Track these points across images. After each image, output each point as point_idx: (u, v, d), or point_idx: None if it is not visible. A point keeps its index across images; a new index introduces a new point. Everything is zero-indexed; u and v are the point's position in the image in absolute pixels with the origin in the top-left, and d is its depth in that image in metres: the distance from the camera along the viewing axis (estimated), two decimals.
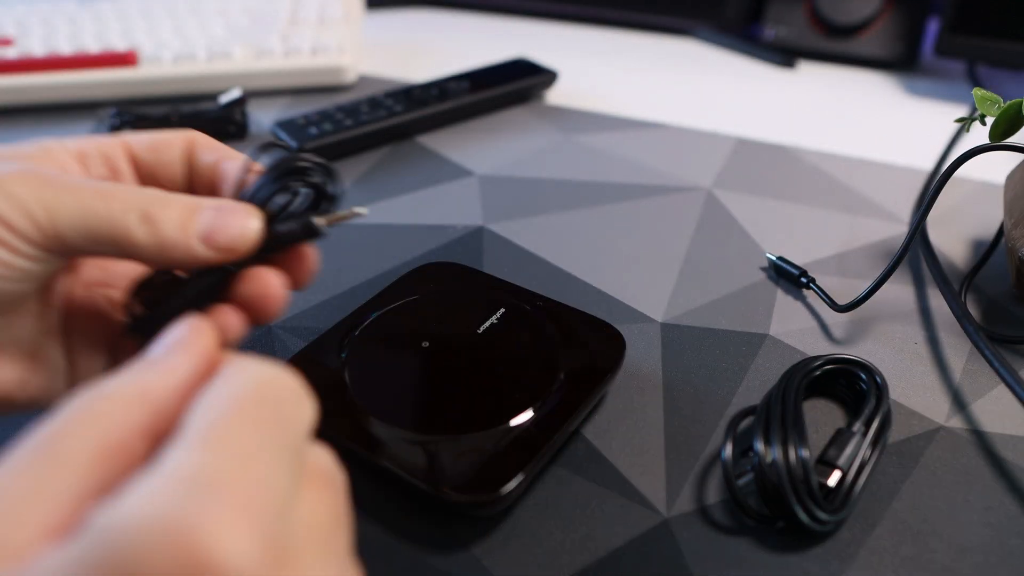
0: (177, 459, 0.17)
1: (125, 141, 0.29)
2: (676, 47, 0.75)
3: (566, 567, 0.28)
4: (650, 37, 0.77)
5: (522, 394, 0.32)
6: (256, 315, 0.28)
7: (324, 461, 0.21)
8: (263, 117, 0.60)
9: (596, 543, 0.29)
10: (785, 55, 0.70)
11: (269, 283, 0.28)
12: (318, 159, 0.28)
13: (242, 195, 0.28)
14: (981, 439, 0.33)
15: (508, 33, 0.78)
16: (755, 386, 0.36)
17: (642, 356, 0.37)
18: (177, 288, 0.28)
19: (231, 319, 0.27)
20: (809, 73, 0.69)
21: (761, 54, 0.72)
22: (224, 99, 0.57)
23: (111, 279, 0.30)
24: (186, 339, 0.21)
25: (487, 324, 0.35)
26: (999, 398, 0.35)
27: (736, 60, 0.72)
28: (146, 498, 0.16)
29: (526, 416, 0.31)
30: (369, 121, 0.55)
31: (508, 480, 0.28)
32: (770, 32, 0.72)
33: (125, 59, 0.62)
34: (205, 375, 0.21)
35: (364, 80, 0.67)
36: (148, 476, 0.16)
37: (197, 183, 0.30)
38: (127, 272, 0.30)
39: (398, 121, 0.56)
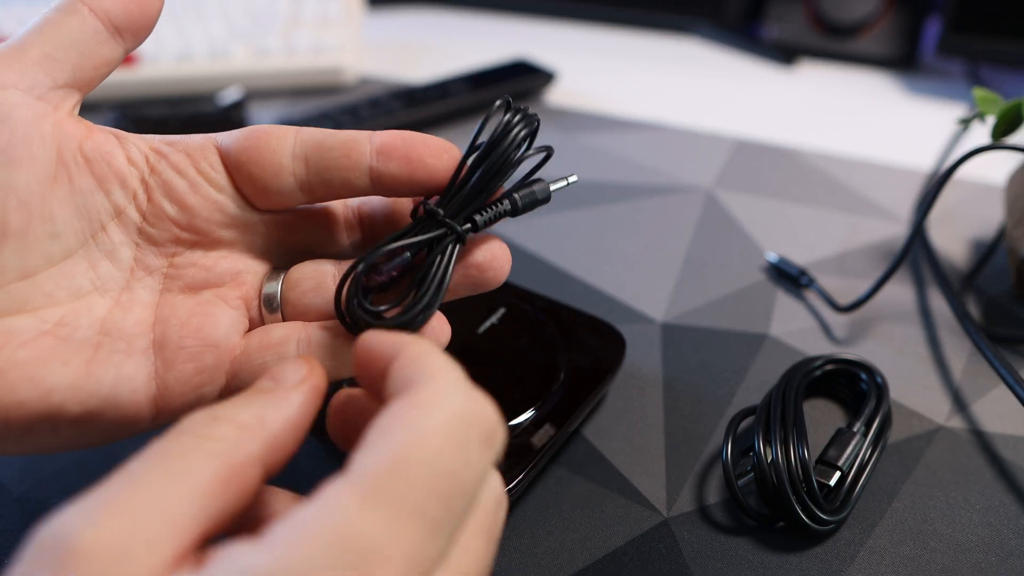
0: (337, 510, 0.16)
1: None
2: (676, 47, 0.75)
3: (566, 567, 0.28)
4: (650, 37, 0.77)
5: (522, 394, 0.32)
6: (484, 282, 0.26)
7: (492, 498, 0.20)
8: (263, 117, 0.60)
9: (596, 543, 0.29)
10: (785, 53, 0.70)
11: (495, 248, 0.26)
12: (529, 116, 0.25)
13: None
14: (981, 439, 0.33)
15: (508, 33, 0.78)
16: (755, 386, 0.36)
17: (642, 356, 0.37)
18: (415, 271, 0.25)
19: (438, 323, 0.25)
20: (809, 73, 0.69)
21: (761, 53, 0.72)
22: (224, 99, 0.57)
23: (215, 278, 0.26)
24: (301, 372, 0.21)
25: (487, 324, 0.36)
26: (999, 398, 0.35)
27: (736, 59, 0.72)
28: (296, 552, 0.15)
29: (526, 416, 0.31)
30: (369, 121, 0.55)
31: (508, 480, 0.28)
32: (771, 30, 0.72)
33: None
34: (315, 409, 0.21)
35: (364, 80, 0.67)
36: (300, 523, 0.16)
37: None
38: (233, 269, 0.26)
39: (398, 121, 0.56)
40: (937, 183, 0.38)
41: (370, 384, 0.21)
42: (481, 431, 0.18)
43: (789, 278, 0.42)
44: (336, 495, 0.16)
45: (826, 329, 0.39)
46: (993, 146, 0.37)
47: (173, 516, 0.16)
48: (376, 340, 0.21)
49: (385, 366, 0.20)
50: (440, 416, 0.18)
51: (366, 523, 0.16)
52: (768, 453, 0.29)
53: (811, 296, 0.41)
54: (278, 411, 0.20)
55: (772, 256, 0.43)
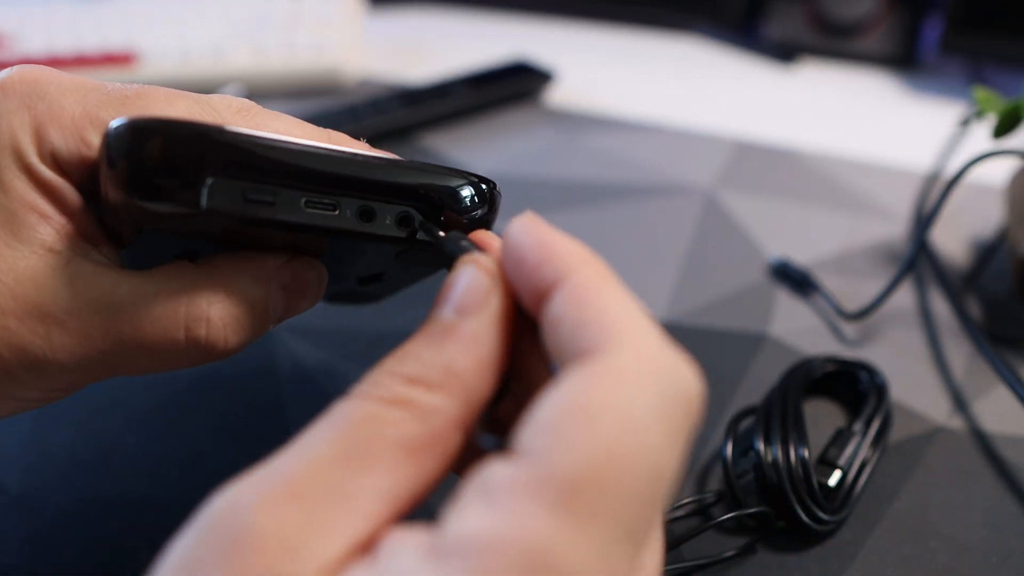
0: (526, 524, 0.13)
1: None
2: (676, 47, 0.75)
3: None
4: (650, 37, 0.77)
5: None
6: None
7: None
8: None
9: None
10: (785, 53, 0.70)
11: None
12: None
13: None
14: (981, 439, 0.33)
15: (508, 33, 0.78)
16: (755, 386, 0.36)
17: None
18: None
19: None
20: (809, 72, 0.69)
21: (761, 52, 0.72)
22: None
23: None
24: (482, 289, 0.18)
25: None
26: (999, 398, 0.35)
27: (736, 59, 0.72)
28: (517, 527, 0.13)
29: None
30: (369, 121, 0.55)
31: None
32: (771, 30, 0.72)
33: (125, 59, 0.62)
34: (508, 333, 0.17)
35: (364, 80, 0.67)
36: (481, 536, 0.14)
37: None
38: None
39: (398, 121, 0.56)
40: (942, 191, 0.37)
41: (518, 284, 0.18)
42: (689, 407, 0.16)
43: (793, 281, 0.42)
44: (521, 499, 0.14)
45: (826, 329, 0.39)
46: (998, 152, 0.37)
47: (353, 506, 0.15)
48: (532, 241, 0.18)
49: (540, 280, 0.17)
50: (648, 395, 0.15)
51: (563, 545, 0.13)
52: (768, 453, 0.29)
53: (811, 296, 0.41)
54: (467, 354, 0.17)
55: (775, 257, 0.43)
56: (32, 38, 0.64)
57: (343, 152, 0.21)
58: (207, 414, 0.33)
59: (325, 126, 0.24)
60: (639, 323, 0.16)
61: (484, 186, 0.23)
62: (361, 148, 0.24)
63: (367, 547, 0.15)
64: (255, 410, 0.34)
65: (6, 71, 0.22)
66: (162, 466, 0.31)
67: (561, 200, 0.49)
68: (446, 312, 0.18)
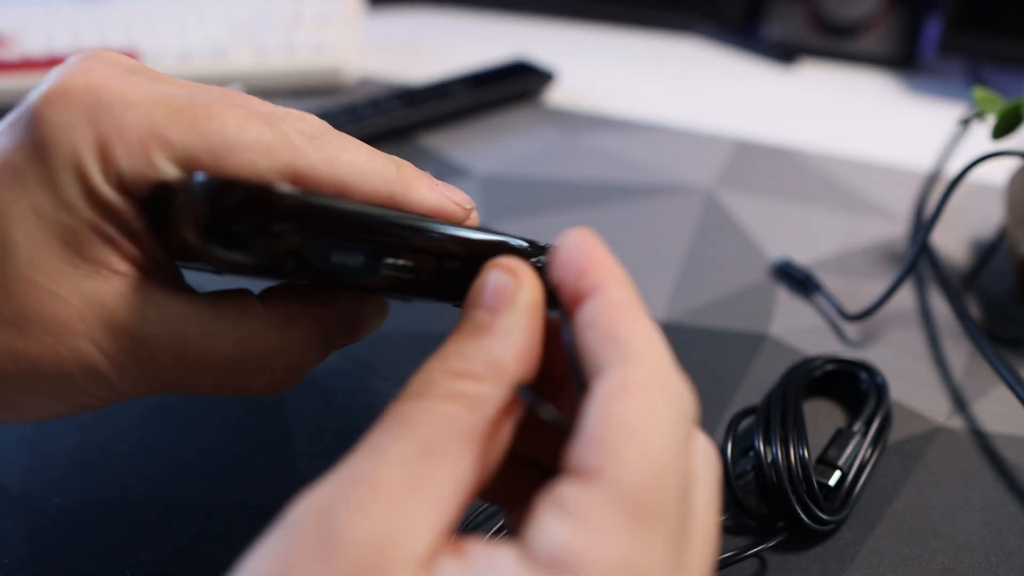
0: (612, 539, 0.15)
1: None
2: (676, 47, 0.75)
3: None
4: (650, 37, 0.77)
5: None
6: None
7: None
8: None
9: None
10: (785, 53, 0.70)
11: None
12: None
13: None
14: (981, 439, 0.33)
15: (508, 33, 0.78)
16: (755, 386, 0.36)
17: None
18: None
19: None
20: (809, 72, 0.69)
21: (761, 52, 0.72)
22: None
23: None
24: (512, 289, 0.20)
25: None
26: (999, 398, 0.35)
27: (736, 59, 0.72)
28: (605, 540, 0.15)
29: None
30: (369, 121, 0.55)
31: None
32: (771, 30, 0.72)
33: None
34: (541, 323, 0.19)
35: (364, 80, 0.67)
36: (571, 549, 0.15)
37: None
38: None
39: (398, 121, 0.56)
40: (943, 193, 0.37)
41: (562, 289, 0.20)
42: (689, 418, 0.18)
43: (795, 281, 0.42)
44: (602, 518, 0.15)
45: (826, 329, 0.39)
46: (999, 152, 0.37)
47: (432, 496, 0.16)
48: (583, 249, 0.20)
49: (581, 284, 0.19)
50: (667, 408, 0.17)
51: (646, 554, 0.15)
52: (768, 453, 0.29)
53: (811, 296, 0.41)
54: (506, 346, 0.18)
55: (777, 257, 0.43)
56: (32, 38, 0.64)
57: (429, 224, 0.22)
58: (208, 414, 0.33)
59: None
60: (656, 344, 0.18)
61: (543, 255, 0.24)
62: (428, 183, 0.24)
63: (447, 539, 0.16)
64: (255, 410, 0.34)
65: (64, 71, 0.21)
66: (162, 466, 0.31)
67: (561, 200, 0.49)
68: (479, 313, 0.20)
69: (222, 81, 0.63)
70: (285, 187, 0.20)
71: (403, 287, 0.22)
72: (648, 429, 0.17)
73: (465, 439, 0.17)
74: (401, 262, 0.22)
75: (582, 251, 0.20)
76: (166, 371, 0.21)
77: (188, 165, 0.21)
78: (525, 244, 0.24)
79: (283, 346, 0.22)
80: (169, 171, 0.21)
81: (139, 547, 0.28)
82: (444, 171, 0.53)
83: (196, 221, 0.19)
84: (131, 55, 0.62)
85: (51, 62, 0.61)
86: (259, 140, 0.21)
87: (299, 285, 0.23)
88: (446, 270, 0.22)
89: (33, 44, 0.64)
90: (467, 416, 0.17)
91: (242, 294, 0.23)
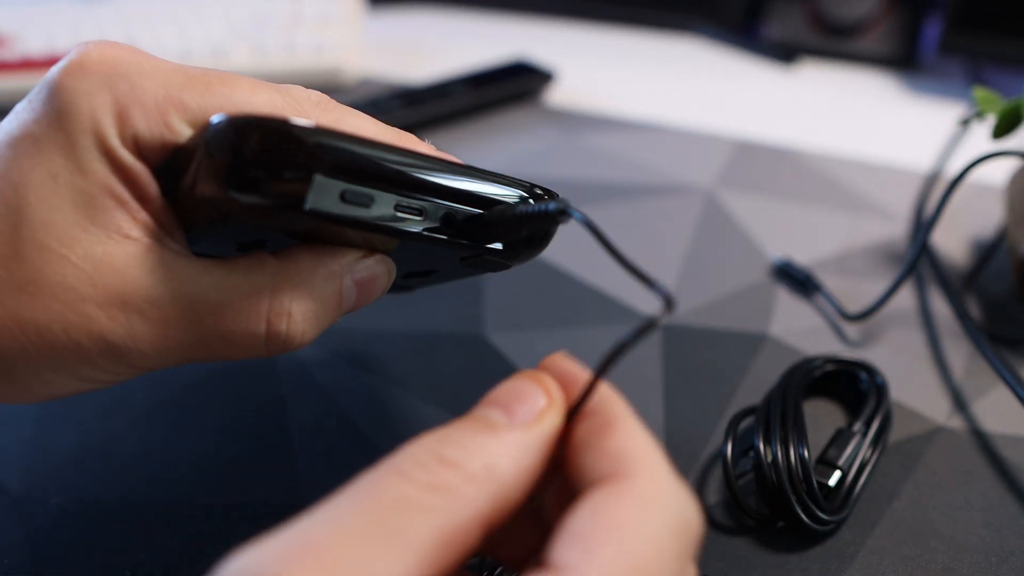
0: None
1: None
2: (676, 47, 0.75)
3: None
4: (650, 37, 0.77)
5: None
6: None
7: None
8: None
9: None
10: (785, 53, 0.70)
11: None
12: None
13: None
14: (981, 439, 0.33)
15: (508, 33, 0.78)
16: (755, 386, 0.36)
17: (642, 356, 0.37)
18: None
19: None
20: (809, 72, 0.69)
21: (761, 52, 0.72)
22: None
23: None
24: (540, 404, 0.19)
25: None
26: (999, 398, 0.35)
27: (736, 59, 0.72)
28: None
29: None
30: None
31: None
32: (771, 30, 0.72)
33: None
34: (550, 454, 0.18)
35: (364, 80, 0.67)
36: None
37: None
38: None
39: (398, 121, 0.56)
40: (943, 194, 0.37)
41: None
42: (692, 532, 0.17)
43: (795, 281, 0.42)
44: None
45: (826, 329, 0.39)
46: (999, 153, 0.37)
47: None
48: (572, 370, 0.19)
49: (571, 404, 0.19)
50: (663, 518, 0.16)
51: None
52: (768, 453, 0.29)
53: (811, 296, 0.41)
54: (511, 458, 0.17)
55: (778, 258, 0.43)
56: (32, 38, 0.64)
57: (437, 159, 0.22)
58: (208, 414, 0.33)
59: None
60: (654, 456, 0.18)
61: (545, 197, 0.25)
62: (429, 150, 0.25)
63: None
64: (255, 410, 0.34)
65: (82, 47, 0.21)
66: (163, 466, 0.31)
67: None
68: (497, 413, 0.18)
69: None
70: (302, 120, 0.20)
71: (413, 236, 0.22)
72: (634, 530, 0.16)
73: (433, 538, 0.15)
74: (416, 203, 0.22)
75: (569, 371, 0.20)
76: (180, 335, 0.21)
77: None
78: (528, 195, 0.25)
79: (299, 305, 0.22)
80: (185, 133, 0.21)
81: (139, 547, 0.28)
82: None
83: (218, 164, 0.19)
84: None
85: (51, 62, 0.61)
86: (270, 103, 0.22)
87: (310, 242, 0.23)
88: (455, 216, 0.23)
89: (33, 44, 0.64)
90: (444, 516, 0.16)
91: (258, 256, 0.22)
